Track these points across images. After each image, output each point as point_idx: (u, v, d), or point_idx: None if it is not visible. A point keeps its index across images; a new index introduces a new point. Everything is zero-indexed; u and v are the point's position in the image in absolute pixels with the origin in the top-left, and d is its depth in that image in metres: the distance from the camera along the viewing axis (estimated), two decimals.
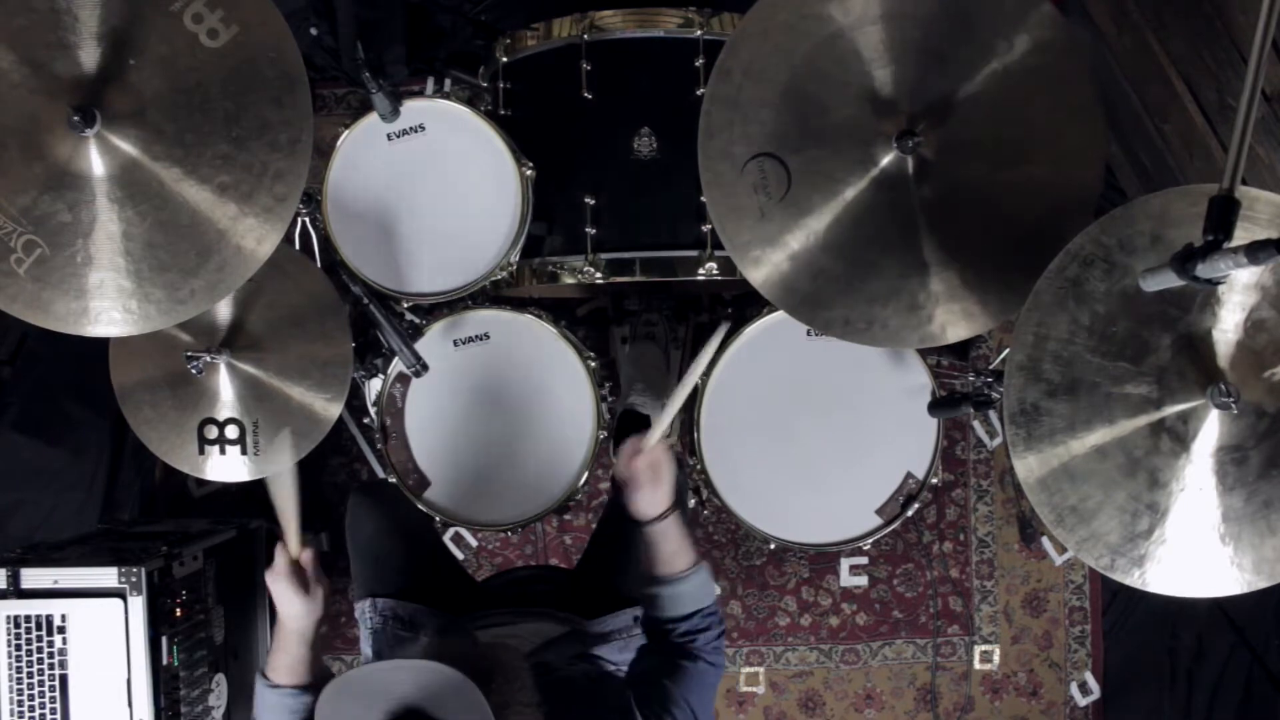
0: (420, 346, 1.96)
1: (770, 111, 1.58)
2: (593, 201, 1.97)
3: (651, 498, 1.48)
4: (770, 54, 1.58)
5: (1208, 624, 2.73)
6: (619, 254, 1.99)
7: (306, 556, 1.51)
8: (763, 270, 1.61)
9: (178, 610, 2.05)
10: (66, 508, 2.59)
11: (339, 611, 2.80)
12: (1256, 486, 1.37)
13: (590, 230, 1.97)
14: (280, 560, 1.49)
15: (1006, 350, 1.53)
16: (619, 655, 1.64)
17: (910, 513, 2.06)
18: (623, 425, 2.41)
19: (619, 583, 1.78)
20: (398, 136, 1.92)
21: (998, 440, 2.79)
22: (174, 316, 1.50)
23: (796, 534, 2.07)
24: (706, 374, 2.02)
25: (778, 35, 1.58)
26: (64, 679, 1.94)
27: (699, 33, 1.95)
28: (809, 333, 1.98)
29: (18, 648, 1.93)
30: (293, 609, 1.47)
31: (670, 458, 1.51)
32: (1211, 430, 1.36)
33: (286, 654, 1.47)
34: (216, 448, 1.93)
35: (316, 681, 1.47)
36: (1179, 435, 1.36)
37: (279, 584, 1.47)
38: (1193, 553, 1.39)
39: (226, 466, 1.93)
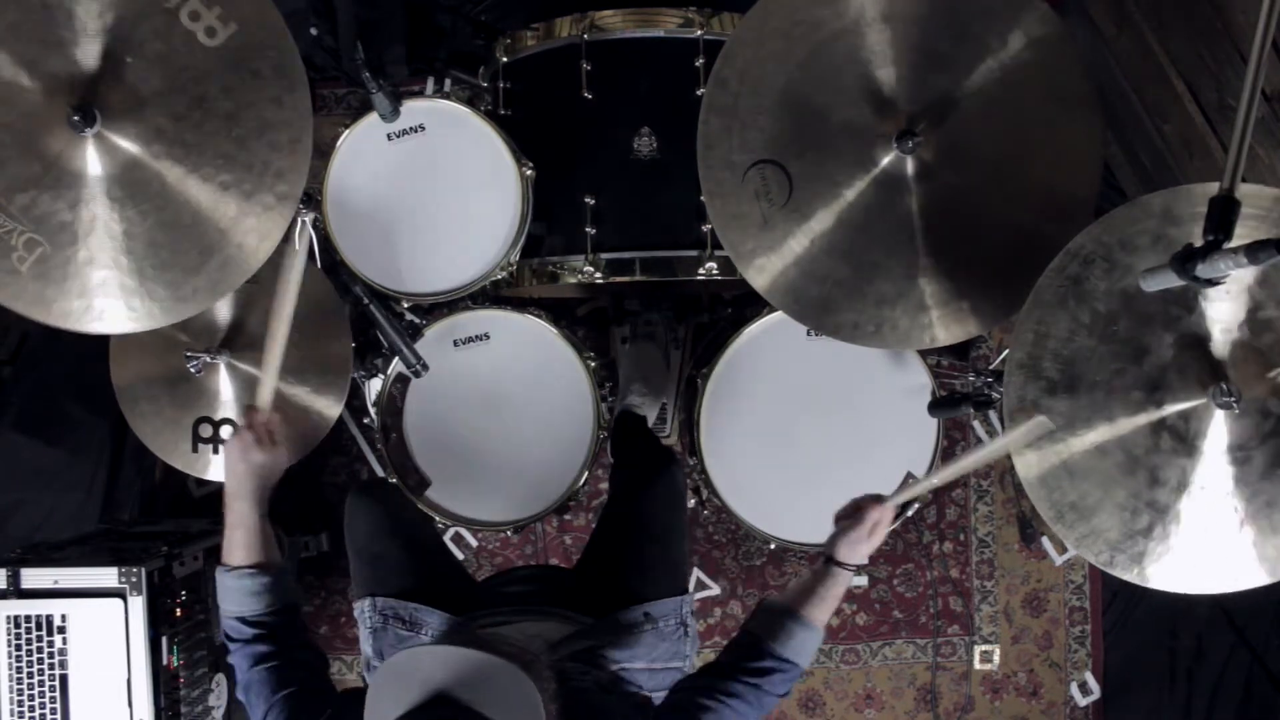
0: (420, 346, 1.96)
1: (769, 118, 1.58)
2: (593, 201, 1.97)
3: (856, 546, 1.48)
4: (766, 60, 1.58)
5: (1208, 624, 2.73)
6: (619, 254, 1.99)
7: (276, 419, 1.46)
8: (769, 277, 1.61)
9: (178, 610, 2.05)
10: (66, 508, 2.59)
11: (339, 611, 2.80)
12: (1259, 486, 1.37)
13: (590, 230, 1.97)
14: (246, 417, 1.44)
15: (1007, 350, 1.53)
16: (624, 653, 1.64)
17: (910, 513, 2.06)
18: (619, 427, 2.41)
19: (628, 581, 1.77)
20: (398, 136, 1.92)
21: None
22: (176, 314, 1.51)
23: (796, 534, 2.06)
24: (707, 373, 2.02)
25: (773, 41, 1.58)
26: (64, 679, 1.94)
27: (699, 33, 1.95)
28: (809, 333, 1.98)
29: (18, 648, 1.93)
30: (255, 462, 1.41)
31: (888, 524, 1.52)
32: (1213, 430, 1.36)
33: (242, 530, 1.41)
34: (210, 446, 1.93)
35: (273, 562, 1.43)
36: (1180, 434, 1.36)
37: (244, 438, 1.41)
38: (1193, 551, 1.39)
39: (220, 466, 1.93)
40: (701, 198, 1.61)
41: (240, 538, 1.42)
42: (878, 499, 1.52)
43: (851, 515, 1.51)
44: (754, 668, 1.42)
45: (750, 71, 1.58)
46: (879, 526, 1.50)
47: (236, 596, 1.41)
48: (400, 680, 1.16)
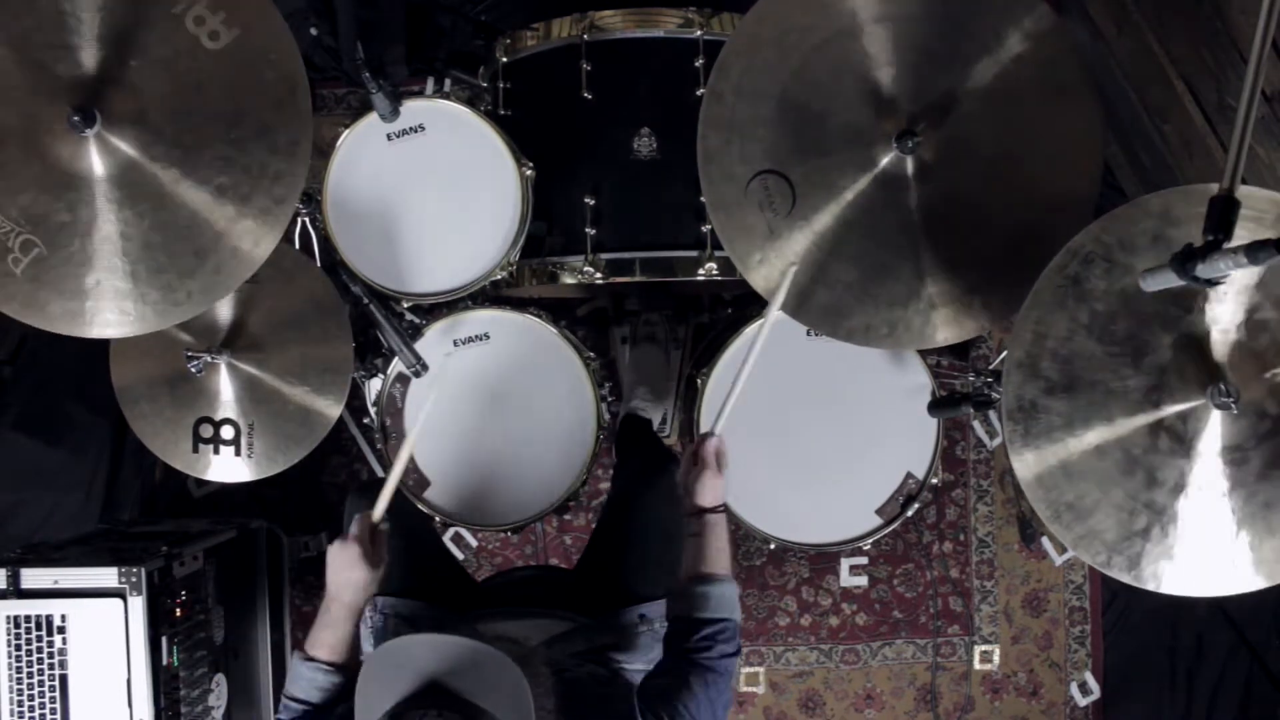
0: (420, 346, 1.96)
1: (767, 128, 1.58)
2: (592, 201, 1.97)
3: (714, 486, 1.51)
4: (759, 70, 1.58)
5: (1208, 624, 2.73)
6: (619, 254, 1.99)
7: (384, 527, 1.49)
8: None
9: (178, 610, 2.05)
10: (66, 508, 2.59)
11: None
12: (1256, 488, 1.37)
13: (590, 230, 1.97)
14: (358, 527, 1.46)
15: (1007, 350, 1.53)
16: (624, 654, 1.64)
17: (910, 513, 2.06)
18: (625, 429, 2.40)
19: (624, 580, 1.78)
20: (398, 136, 1.92)
21: (998, 440, 2.79)
22: (170, 318, 1.50)
23: (796, 534, 2.06)
24: (706, 373, 2.02)
25: (765, 51, 1.57)
26: (64, 679, 1.94)
27: (699, 33, 1.95)
28: (809, 333, 1.98)
29: (18, 648, 1.93)
30: (357, 579, 1.44)
31: (724, 449, 1.54)
32: (1211, 431, 1.36)
33: (334, 630, 1.44)
34: (210, 447, 1.93)
35: (350, 664, 1.46)
36: (1178, 435, 1.36)
37: (350, 551, 1.44)
38: (1191, 552, 1.39)
39: (220, 466, 1.94)
40: (701, 198, 1.61)
41: (329, 637, 1.45)
42: (704, 437, 1.54)
43: (692, 467, 1.54)
44: (696, 643, 1.46)
45: (745, 83, 1.58)
46: (720, 456, 1.54)
47: (306, 686, 1.44)
48: (392, 668, 1.17)
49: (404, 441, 1.51)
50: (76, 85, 1.43)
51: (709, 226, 1.93)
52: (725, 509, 1.52)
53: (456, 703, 1.14)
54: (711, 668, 1.45)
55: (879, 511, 2.07)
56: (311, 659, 1.44)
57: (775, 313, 1.57)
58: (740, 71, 1.58)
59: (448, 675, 1.15)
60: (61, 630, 1.94)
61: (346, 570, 1.44)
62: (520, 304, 2.08)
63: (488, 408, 2.03)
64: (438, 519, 2.06)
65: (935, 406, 2.01)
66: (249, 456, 1.92)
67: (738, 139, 1.58)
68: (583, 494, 2.08)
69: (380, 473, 2.73)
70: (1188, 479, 1.37)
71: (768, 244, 1.59)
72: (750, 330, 1.96)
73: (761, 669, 2.83)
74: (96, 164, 1.44)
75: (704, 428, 1.56)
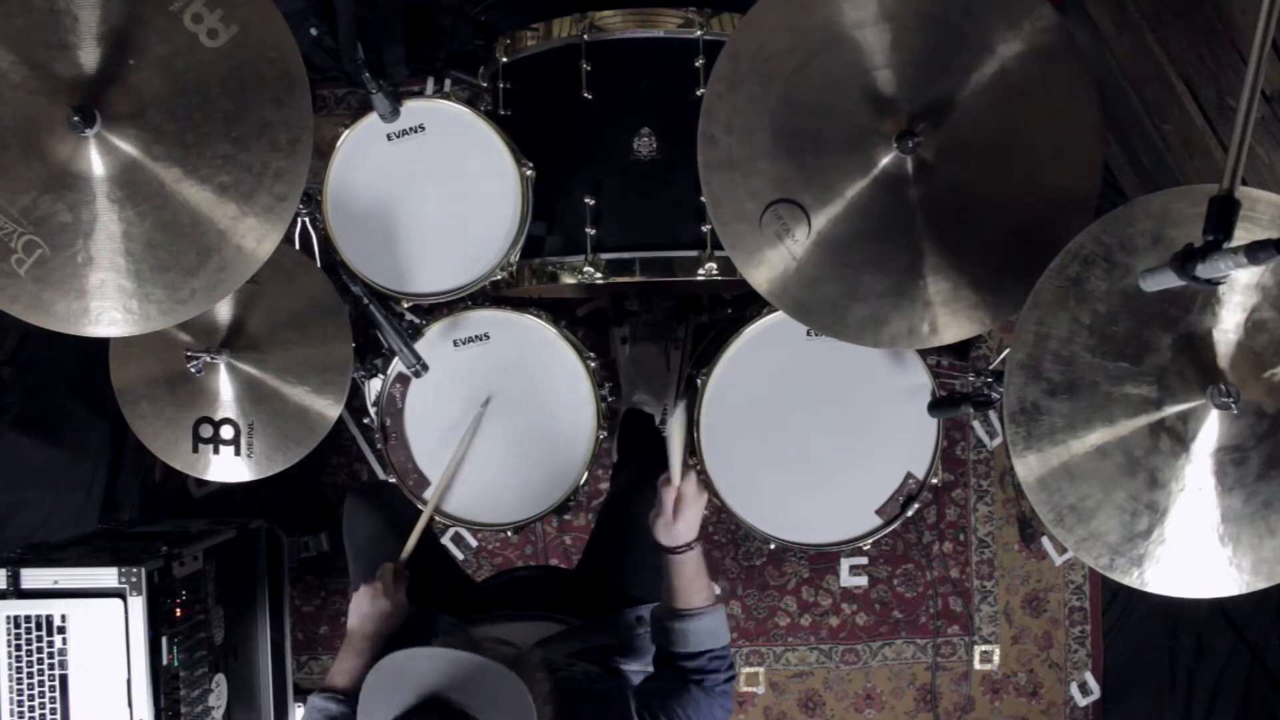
0: (420, 346, 1.96)
1: (767, 160, 1.57)
2: (593, 202, 1.97)
3: (670, 529, 1.51)
4: (746, 106, 1.57)
5: (1208, 624, 2.73)
6: (619, 254, 1.99)
7: (404, 574, 1.65)
8: (821, 315, 1.61)
9: (178, 610, 2.05)
10: (66, 508, 2.59)
11: (339, 611, 2.80)
12: (1256, 487, 1.37)
13: (590, 230, 1.97)
14: (383, 574, 1.63)
15: (1007, 350, 1.53)
16: (625, 657, 1.64)
17: (910, 513, 2.06)
18: (627, 423, 2.40)
19: (621, 582, 1.78)
20: (398, 136, 1.92)
21: (998, 440, 2.79)
22: (175, 316, 1.51)
23: (796, 534, 2.06)
24: (707, 373, 2.02)
25: (747, 86, 1.57)
26: (64, 679, 1.94)
27: (699, 33, 1.95)
28: (809, 333, 1.98)
29: (18, 648, 1.93)
30: (381, 608, 1.58)
31: (699, 494, 1.54)
32: (1211, 430, 1.36)
33: (357, 659, 1.55)
34: (210, 447, 1.93)
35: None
36: (1179, 435, 1.36)
37: (374, 588, 1.60)
38: (1192, 553, 1.39)
39: (220, 466, 1.94)
40: (701, 197, 1.61)
41: (350, 665, 1.55)
42: (665, 481, 1.55)
43: (659, 499, 1.55)
44: (686, 676, 1.48)
45: (736, 121, 1.57)
46: (682, 500, 1.53)
47: (316, 716, 1.51)
48: (393, 683, 1.17)
49: (429, 501, 1.70)
50: (76, 85, 1.43)
51: (709, 226, 1.93)
52: (686, 548, 1.53)
53: (457, 716, 1.14)
54: (700, 684, 1.47)
55: (879, 511, 2.07)
56: (326, 689, 1.50)
57: None
58: (728, 111, 1.57)
59: (448, 689, 1.15)
60: (61, 630, 1.94)
61: (369, 605, 1.58)
62: (520, 304, 2.08)
63: (488, 408, 2.03)
64: (438, 519, 2.05)
65: (935, 406, 2.01)
66: (249, 456, 1.92)
67: (741, 177, 1.57)
68: (583, 494, 2.08)
69: (380, 473, 2.73)
70: (1189, 479, 1.37)
71: (795, 273, 1.58)
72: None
73: (761, 669, 2.83)
74: (97, 164, 1.44)
75: (675, 465, 1.59)
